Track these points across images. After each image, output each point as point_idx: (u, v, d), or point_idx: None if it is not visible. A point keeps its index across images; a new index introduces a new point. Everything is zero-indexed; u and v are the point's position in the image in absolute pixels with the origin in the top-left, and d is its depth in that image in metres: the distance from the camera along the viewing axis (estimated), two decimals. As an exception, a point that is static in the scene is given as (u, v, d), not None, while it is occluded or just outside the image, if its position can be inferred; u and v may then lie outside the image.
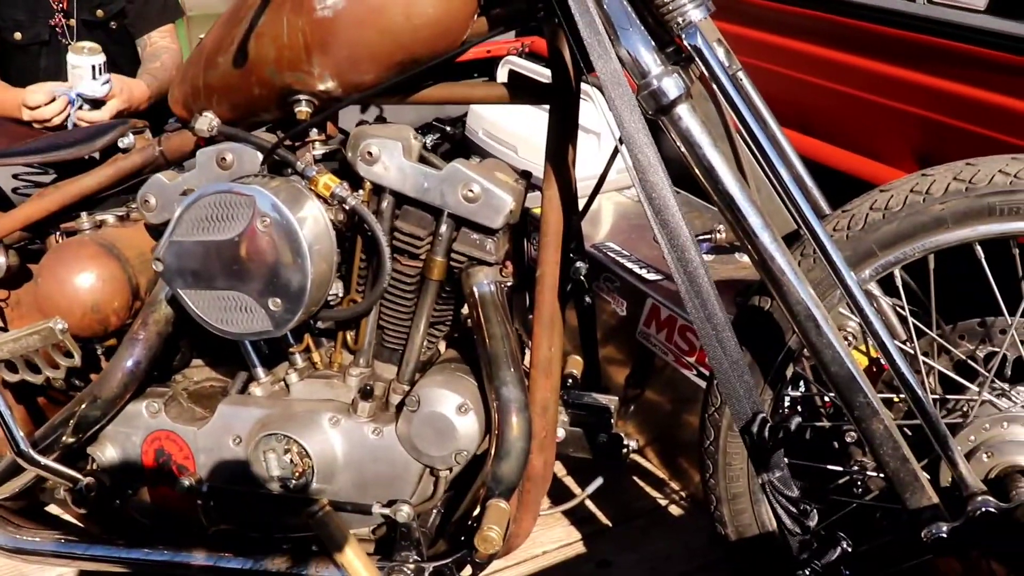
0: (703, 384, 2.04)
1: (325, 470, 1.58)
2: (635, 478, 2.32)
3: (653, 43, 1.31)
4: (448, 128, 3.23)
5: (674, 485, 2.29)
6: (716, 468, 1.66)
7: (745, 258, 2.15)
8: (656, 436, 2.30)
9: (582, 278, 1.78)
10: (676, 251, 1.32)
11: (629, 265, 2.26)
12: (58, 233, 1.80)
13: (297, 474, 1.59)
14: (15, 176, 1.94)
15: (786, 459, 1.38)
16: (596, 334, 1.89)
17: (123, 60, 2.83)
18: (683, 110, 1.31)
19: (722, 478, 1.66)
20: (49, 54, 2.71)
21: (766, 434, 1.32)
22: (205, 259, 1.45)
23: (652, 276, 2.21)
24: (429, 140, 3.17)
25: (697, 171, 1.34)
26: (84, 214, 1.76)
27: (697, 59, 1.32)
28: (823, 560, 1.33)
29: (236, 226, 1.42)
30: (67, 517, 1.91)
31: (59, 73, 2.66)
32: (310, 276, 1.41)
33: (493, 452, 1.49)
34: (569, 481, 2.29)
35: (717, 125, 1.55)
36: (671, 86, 1.30)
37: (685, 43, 1.32)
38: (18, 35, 2.64)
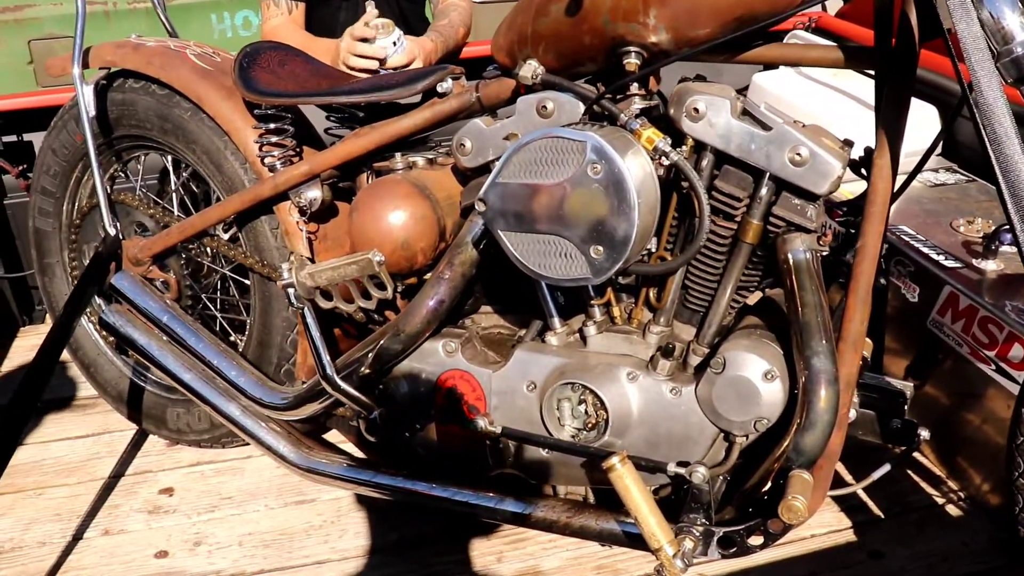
0: (1000, 379, 1.94)
1: (619, 424, 1.58)
2: (909, 471, 2.22)
3: (1021, 7, 1.23)
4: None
5: (952, 484, 2.18)
6: (1028, 467, 1.57)
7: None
8: (936, 431, 2.19)
9: (880, 258, 1.72)
10: (1029, 228, 1.24)
11: (925, 250, 2.15)
12: (369, 172, 1.88)
13: (590, 425, 1.60)
14: (328, 117, 2.03)
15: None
16: (886, 318, 1.82)
17: (414, 17, 2.91)
18: (1048, 80, 1.23)
19: (1033, 478, 1.57)
20: (347, 8, 2.80)
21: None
22: (530, 202, 1.46)
23: (951, 263, 2.10)
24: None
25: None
26: (398, 154, 1.82)
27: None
28: None
29: (565, 171, 1.42)
30: (344, 446, 1.99)
31: None
32: (636, 226, 1.40)
33: (798, 423, 1.45)
34: (839, 467, 2.21)
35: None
36: (1037, 54, 1.22)
37: (1060, 8, 1.24)
38: None
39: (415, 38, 2.57)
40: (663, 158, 1.46)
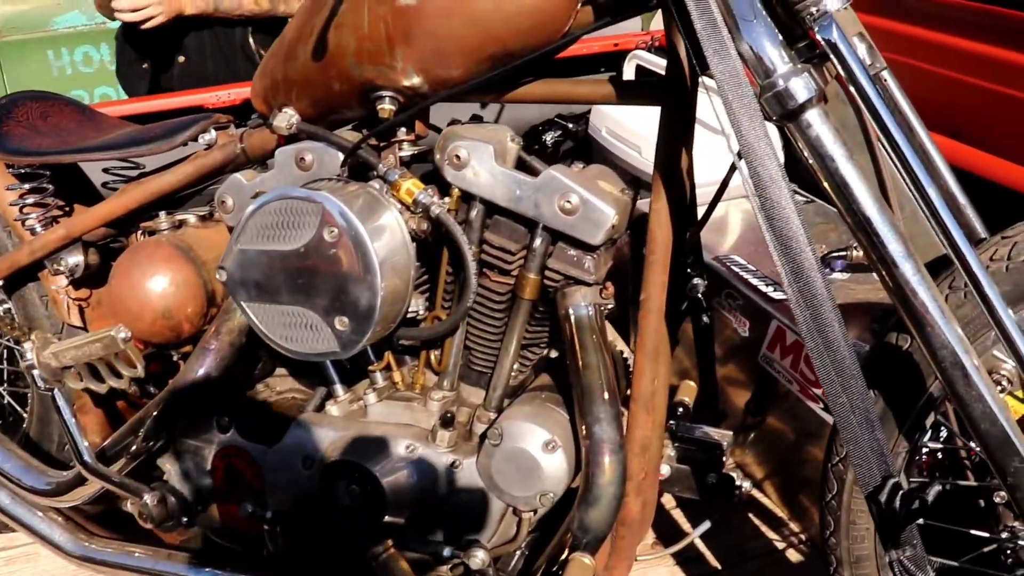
0: (828, 419, 1.83)
1: (396, 503, 1.43)
2: (750, 515, 2.11)
3: (780, 37, 1.12)
4: (571, 125, 3.03)
5: (793, 526, 2.07)
6: (838, 526, 1.46)
7: (885, 280, 1.91)
8: (775, 470, 2.09)
9: (699, 296, 1.59)
10: (798, 281, 1.12)
11: (754, 282, 2.04)
12: (140, 232, 1.71)
13: (366, 506, 1.45)
14: (105, 170, 1.85)
15: (921, 521, 1.18)
16: (714, 357, 1.70)
17: None
18: (813, 115, 1.12)
19: (844, 538, 1.46)
20: None
21: (897, 503, 1.11)
22: (269, 270, 1.32)
23: (779, 295, 1.99)
24: (550, 138, 2.97)
25: (828, 187, 1.15)
26: (163, 213, 1.67)
27: (832, 56, 1.13)
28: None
29: (302, 236, 1.28)
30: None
31: None
32: (380, 293, 1.26)
33: (580, 497, 1.32)
34: (678, 514, 2.10)
35: (855, 132, 1.35)
36: (799, 87, 1.10)
37: (818, 37, 1.13)
38: None
39: None
40: (426, 211, 1.32)
